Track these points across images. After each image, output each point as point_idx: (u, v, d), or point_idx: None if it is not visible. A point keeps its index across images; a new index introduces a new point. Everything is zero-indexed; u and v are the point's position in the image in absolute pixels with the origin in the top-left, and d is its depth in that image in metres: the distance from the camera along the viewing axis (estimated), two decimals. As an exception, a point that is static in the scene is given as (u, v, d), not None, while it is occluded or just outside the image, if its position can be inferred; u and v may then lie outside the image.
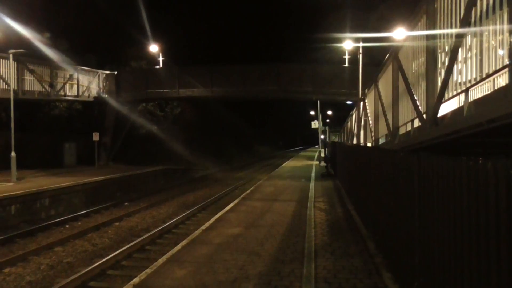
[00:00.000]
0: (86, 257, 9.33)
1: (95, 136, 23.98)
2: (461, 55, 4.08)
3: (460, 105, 4.25)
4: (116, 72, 27.03)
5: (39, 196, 13.83)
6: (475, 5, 3.60)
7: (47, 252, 9.63)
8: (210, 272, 6.00)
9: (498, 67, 3.31)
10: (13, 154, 16.00)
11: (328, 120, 66.52)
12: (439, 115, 4.70)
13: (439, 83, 4.59)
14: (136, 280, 5.74)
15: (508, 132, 3.70)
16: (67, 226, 12.63)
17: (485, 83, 3.68)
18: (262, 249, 7.24)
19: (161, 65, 29.73)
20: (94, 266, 8.10)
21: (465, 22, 3.77)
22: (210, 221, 9.79)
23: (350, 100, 23.71)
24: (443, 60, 4.63)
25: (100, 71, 26.02)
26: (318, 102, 33.02)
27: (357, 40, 21.69)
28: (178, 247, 7.50)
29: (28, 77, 19.73)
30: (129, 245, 9.74)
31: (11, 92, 16.46)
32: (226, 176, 28.93)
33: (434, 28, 4.80)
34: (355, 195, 10.56)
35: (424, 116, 5.09)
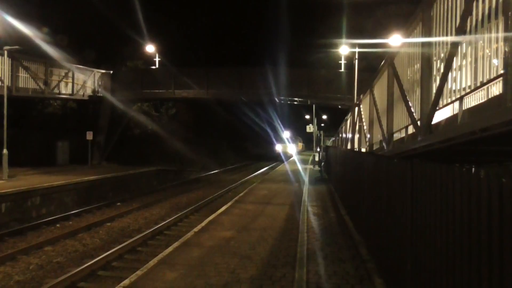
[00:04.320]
0: (77, 257, 9.24)
1: (89, 135, 23.83)
2: (456, 63, 4.10)
3: (454, 113, 4.26)
4: (111, 71, 26.91)
5: (30, 195, 13.70)
6: (471, 14, 3.61)
7: (37, 251, 9.53)
8: (201, 275, 5.96)
9: (492, 76, 3.33)
10: (5, 151, 15.84)
11: (323, 124, 66.53)
12: (433, 122, 4.72)
13: (434, 91, 4.60)
14: (126, 282, 5.68)
15: (501, 140, 3.72)
16: (58, 225, 12.52)
17: (479, 92, 3.69)
18: (254, 253, 7.21)
19: (157, 66, 29.68)
20: (84, 266, 8.02)
21: (461, 30, 3.79)
22: (203, 224, 9.74)
23: (346, 105, 23.80)
24: (438, 68, 4.65)
25: (95, 70, 25.90)
26: (314, 106, 33.14)
27: (353, 45, 21.81)
28: (170, 249, 7.45)
29: (22, 74, 19.58)
30: (120, 246, 9.66)
31: (5, 89, 16.32)
32: (220, 178, 28.87)
33: (429, 35, 4.82)
34: (348, 200, 10.56)
35: (418, 123, 5.10)
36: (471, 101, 3.88)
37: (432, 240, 3.43)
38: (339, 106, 27.06)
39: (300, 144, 71.52)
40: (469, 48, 3.82)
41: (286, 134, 52.25)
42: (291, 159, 44.06)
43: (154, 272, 6.08)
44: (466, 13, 3.65)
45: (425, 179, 3.63)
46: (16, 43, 17.18)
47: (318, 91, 25.23)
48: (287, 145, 51.89)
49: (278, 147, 51.14)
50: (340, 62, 27.09)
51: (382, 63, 7.98)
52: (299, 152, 66.82)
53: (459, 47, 3.96)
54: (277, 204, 13.02)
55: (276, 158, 47.36)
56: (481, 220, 2.50)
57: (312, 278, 5.87)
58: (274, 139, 51.87)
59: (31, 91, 20.37)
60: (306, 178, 22.07)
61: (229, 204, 12.93)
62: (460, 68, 4.05)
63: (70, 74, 23.21)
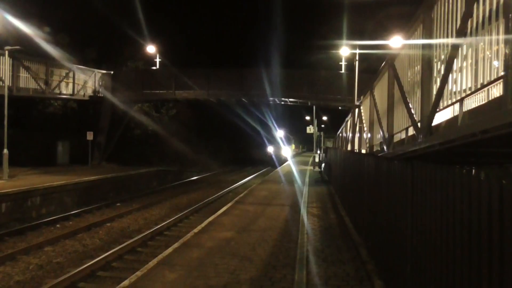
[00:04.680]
0: (76, 257, 9.24)
1: (89, 136, 23.83)
2: (456, 64, 4.10)
3: (455, 114, 4.26)
4: (112, 72, 26.93)
5: (31, 194, 13.70)
6: (471, 16, 3.62)
7: (37, 251, 9.52)
8: (201, 276, 5.95)
9: (493, 78, 3.33)
10: (5, 151, 15.85)
11: (323, 126, 66.38)
12: (433, 124, 4.72)
13: (434, 92, 4.60)
14: (126, 282, 5.68)
15: (501, 142, 3.72)
16: (58, 225, 12.52)
17: (479, 93, 3.69)
18: (254, 253, 7.21)
19: (157, 66, 29.70)
20: (84, 267, 8.02)
21: (461, 32, 3.79)
22: (203, 224, 9.74)
23: (346, 107, 23.81)
24: (438, 69, 4.65)
25: (96, 70, 25.91)
26: (314, 107, 33.17)
27: (354, 47, 21.82)
28: (170, 250, 7.44)
29: (23, 74, 19.60)
30: (120, 246, 9.66)
31: (6, 89, 16.33)
32: (220, 178, 28.86)
33: (430, 37, 4.82)
34: (348, 201, 10.56)
35: (419, 124, 5.10)
36: (472, 103, 3.88)
37: (432, 241, 3.43)
38: (340, 108, 27.06)
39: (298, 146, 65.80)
40: (470, 50, 3.82)
41: (280, 133, 45.92)
42: (285, 164, 38.17)
43: (154, 273, 6.07)
44: (467, 15, 3.65)
45: (425, 180, 3.63)
46: (17, 43, 17.20)
47: (319, 92, 25.24)
48: (281, 147, 47.18)
49: (270, 149, 45.97)
50: (340, 63, 27.11)
51: (382, 65, 7.99)
52: (297, 154, 61.11)
53: (460, 49, 3.96)
54: (277, 205, 13.01)
55: (268, 162, 43.85)
56: (481, 221, 2.50)
57: (312, 279, 5.87)
58: (265, 140, 46.19)
59: (32, 91, 20.40)
60: (306, 179, 22.02)
61: (229, 205, 12.92)
62: (460, 70, 4.05)
63: (71, 74, 23.22)
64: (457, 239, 2.88)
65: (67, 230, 11.67)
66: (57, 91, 22.32)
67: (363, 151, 11.43)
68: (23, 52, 18.45)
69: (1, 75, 17.53)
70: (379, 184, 5.82)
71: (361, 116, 11.88)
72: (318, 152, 30.77)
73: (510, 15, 2.93)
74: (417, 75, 5.40)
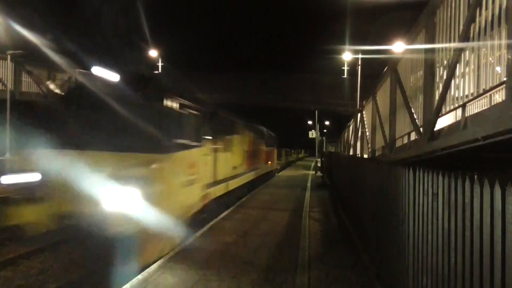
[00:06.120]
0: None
1: (92, 139, 23.83)
2: (459, 70, 4.10)
3: (457, 119, 4.26)
4: (115, 76, 26.98)
5: (33, 198, 13.68)
6: (474, 21, 3.62)
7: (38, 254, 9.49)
8: (202, 280, 5.94)
9: (495, 84, 3.33)
10: (7, 155, 15.89)
11: (325, 130, 66.45)
12: (435, 129, 4.71)
13: (437, 97, 4.61)
14: (127, 286, 5.67)
15: (504, 147, 3.71)
16: (59, 229, 12.49)
17: (482, 99, 3.69)
18: (255, 258, 7.19)
19: (160, 70, 29.82)
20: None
21: (464, 37, 3.80)
22: (204, 229, 9.72)
23: (348, 111, 23.82)
24: (441, 75, 4.65)
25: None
26: (316, 112, 33.25)
27: (356, 52, 21.88)
28: (171, 253, 7.43)
29: (25, 78, 19.69)
30: (121, 250, 9.64)
31: (7, 93, 16.41)
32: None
33: (432, 42, 4.83)
34: (349, 206, 10.53)
35: (421, 129, 5.10)
36: (474, 108, 3.89)
37: (434, 247, 3.41)
38: (342, 112, 27.08)
39: (273, 151, 27.69)
40: (472, 55, 3.82)
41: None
42: None
43: (155, 276, 6.06)
44: (469, 20, 3.66)
45: (427, 185, 3.62)
46: (20, 48, 17.28)
47: (322, 97, 25.29)
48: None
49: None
50: (343, 68, 27.18)
51: (385, 70, 8.00)
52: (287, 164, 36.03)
53: (462, 54, 3.96)
54: (279, 210, 12.98)
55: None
56: (484, 228, 2.48)
57: (314, 283, 5.84)
58: None
59: (34, 95, 20.48)
60: (308, 184, 21.97)
61: (231, 209, 12.89)
62: (463, 75, 4.06)
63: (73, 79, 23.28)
64: (458, 245, 2.87)
65: (68, 233, 11.64)
66: (60, 94, 22.36)
67: (365, 155, 11.41)
68: (26, 56, 18.54)
69: (3, 79, 17.61)
70: (380, 189, 5.81)
71: (364, 121, 11.88)
72: (321, 157, 30.75)
73: (513, 20, 2.93)
74: (420, 80, 5.41)
